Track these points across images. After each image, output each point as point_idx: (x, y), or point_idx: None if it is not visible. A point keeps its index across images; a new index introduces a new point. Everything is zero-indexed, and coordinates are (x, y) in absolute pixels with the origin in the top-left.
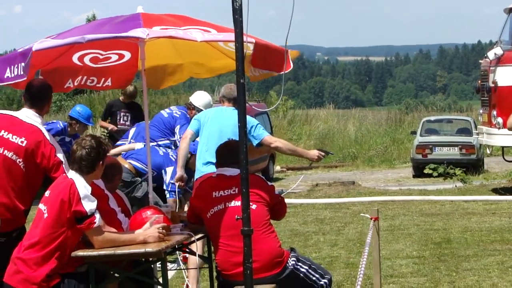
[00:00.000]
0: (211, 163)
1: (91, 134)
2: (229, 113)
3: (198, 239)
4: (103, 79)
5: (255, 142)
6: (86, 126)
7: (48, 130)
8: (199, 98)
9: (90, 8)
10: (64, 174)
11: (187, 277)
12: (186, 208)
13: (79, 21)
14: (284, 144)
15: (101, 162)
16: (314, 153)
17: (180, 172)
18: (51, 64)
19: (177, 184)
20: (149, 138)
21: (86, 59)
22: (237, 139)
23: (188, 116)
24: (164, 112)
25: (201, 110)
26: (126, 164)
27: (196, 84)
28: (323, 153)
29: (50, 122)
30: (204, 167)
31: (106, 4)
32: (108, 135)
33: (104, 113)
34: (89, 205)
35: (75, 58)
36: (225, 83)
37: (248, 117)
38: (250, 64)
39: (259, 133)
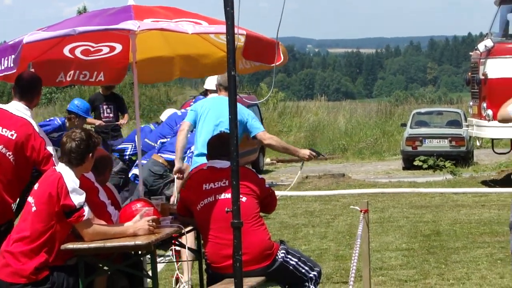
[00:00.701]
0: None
1: (81, 127)
2: (227, 104)
3: (188, 232)
4: (95, 73)
5: (250, 135)
6: (85, 120)
7: (48, 129)
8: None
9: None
10: (53, 167)
11: (178, 268)
12: None
13: (70, 13)
14: (277, 142)
15: (90, 155)
16: (305, 152)
17: (178, 164)
18: (42, 57)
19: (175, 176)
20: (161, 135)
21: (77, 52)
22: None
23: None
24: (179, 112)
25: None
26: (159, 159)
27: None
28: (314, 153)
29: (48, 119)
30: (200, 158)
31: None
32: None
33: None
34: (78, 198)
35: (66, 51)
36: None
37: (246, 109)
38: (241, 56)
39: (256, 127)
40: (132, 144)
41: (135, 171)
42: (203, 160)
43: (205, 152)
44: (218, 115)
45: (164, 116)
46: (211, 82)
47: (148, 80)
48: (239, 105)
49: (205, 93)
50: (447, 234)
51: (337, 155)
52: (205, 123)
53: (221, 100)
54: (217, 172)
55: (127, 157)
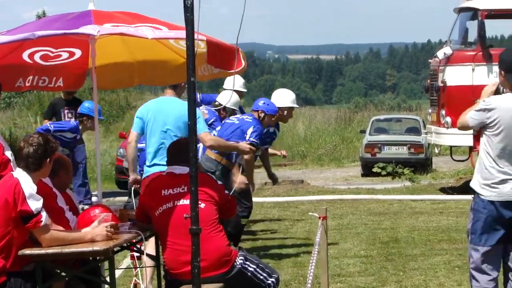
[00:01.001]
0: (157, 164)
1: (39, 132)
2: (172, 105)
3: (147, 238)
4: (54, 78)
5: None
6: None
7: (63, 128)
8: (228, 97)
9: (41, 4)
10: (10, 173)
11: (135, 275)
12: None
13: (30, 17)
14: (216, 142)
15: (48, 160)
16: (245, 146)
17: (133, 175)
18: (1, 61)
19: (133, 187)
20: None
21: (37, 57)
22: (181, 132)
23: (218, 115)
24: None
25: (233, 109)
26: (212, 155)
27: None
28: (253, 147)
29: (63, 122)
30: (152, 168)
31: (57, 1)
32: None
33: (48, 112)
34: (35, 204)
35: (25, 56)
36: None
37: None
38: (205, 62)
39: (198, 128)
40: None
41: None
42: (155, 170)
43: (157, 162)
44: (164, 121)
45: (224, 98)
46: (229, 81)
47: (107, 86)
48: (186, 105)
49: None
50: (405, 241)
51: (296, 162)
52: (152, 132)
53: (165, 102)
54: (176, 178)
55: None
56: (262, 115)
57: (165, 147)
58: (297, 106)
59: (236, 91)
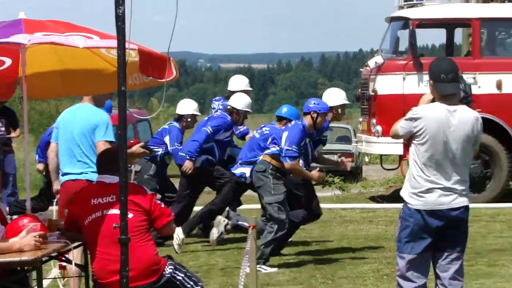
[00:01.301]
0: (69, 173)
1: None
2: (81, 112)
3: (75, 247)
4: None
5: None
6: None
7: None
8: (239, 99)
9: None
10: None
11: (63, 285)
12: None
13: None
14: None
15: None
16: (139, 149)
17: (56, 186)
18: None
19: (56, 198)
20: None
21: None
22: (85, 139)
23: (229, 118)
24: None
25: (247, 111)
26: (266, 158)
27: None
28: (145, 149)
29: None
30: (64, 177)
31: None
32: None
33: None
34: None
35: None
36: None
37: (104, 114)
38: (136, 71)
39: (103, 134)
40: (166, 145)
41: (240, 170)
42: (67, 179)
43: (68, 171)
44: (71, 129)
45: (182, 108)
46: (234, 83)
47: (37, 96)
48: (101, 111)
49: (228, 96)
50: (335, 250)
51: None
52: (63, 140)
53: (76, 110)
54: (106, 187)
55: (158, 158)
56: (315, 115)
57: (73, 155)
58: (349, 102)
59: (245, 91)
